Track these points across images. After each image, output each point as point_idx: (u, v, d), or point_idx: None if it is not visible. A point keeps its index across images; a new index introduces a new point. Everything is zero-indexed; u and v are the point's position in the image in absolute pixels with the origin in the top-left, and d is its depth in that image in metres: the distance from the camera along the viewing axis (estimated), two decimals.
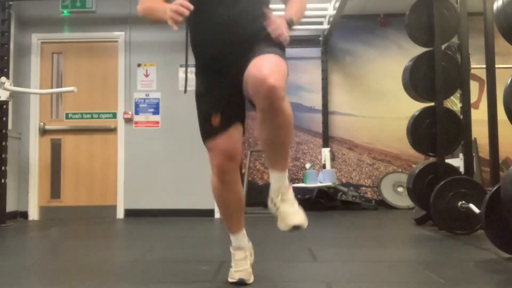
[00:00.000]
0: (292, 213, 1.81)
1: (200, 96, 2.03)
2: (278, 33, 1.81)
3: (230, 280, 2.05)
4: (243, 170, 5.74)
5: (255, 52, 1.80)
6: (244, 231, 2.14)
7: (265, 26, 1.84)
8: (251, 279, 2.05)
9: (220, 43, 1.93)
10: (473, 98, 4.75)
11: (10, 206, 4.81)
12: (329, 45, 6.29)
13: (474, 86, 5.33)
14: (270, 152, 1.89)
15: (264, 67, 1.69)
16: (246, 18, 1.92)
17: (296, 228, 1.77)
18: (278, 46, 1.85)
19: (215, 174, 2.05)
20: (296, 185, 5.79)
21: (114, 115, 5.25)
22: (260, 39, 1.87)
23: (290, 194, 1.88)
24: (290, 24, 1.88)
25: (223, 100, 1.97)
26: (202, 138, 2.06)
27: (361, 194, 6.08)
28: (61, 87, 5.27)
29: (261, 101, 1.70)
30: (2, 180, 4.52)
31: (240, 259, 2.07)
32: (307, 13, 6.49)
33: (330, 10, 5.62)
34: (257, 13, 1.91)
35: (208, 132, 2.01)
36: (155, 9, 1.92)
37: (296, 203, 1.86)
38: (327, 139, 6.17)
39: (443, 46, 4.02)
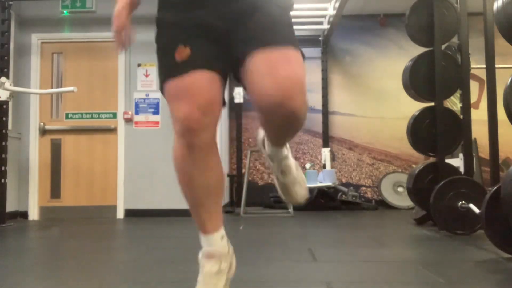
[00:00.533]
0: (293, 185, 1.64)
1: (162, 25, 1.48)
2: None
3: None
4: (243, 170, 5.73)
5: (257, 28, 1.32)
6: (222, 231, 1.51)
7: None
8: None
9: None
10: (473, 98, 4.76)
11: (10, 206, 4.81)
12: (329, 45, 6.29)
13: (474, 86, 5.33)
14: (273, 137, 1.56)
15: (280, 81, 1.25)
16: None
17: (299, 203, 1.69)
18: (285, 14, 1.43)
19: (179, 134, 1.36)
20: None
21: (114, 115, 5.25)
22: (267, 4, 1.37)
23: (291, 163, 1.64)
24: None
25: (196, 40, 1.37)
26: (160, 82, 1.47)
27: (361, 194, 6.09)
28: (61, 87, 5.27)
29: (279, 120, 1.31)
30: (2, 180, 4.52)
31: (210, 273, 1.43)
32: (307, 13, 6.47)
33: (330, 10, 5.62)
34: None
35: (170, 68, 1.40)
36: None
37: (298, 170, 1.67)
38: (327, 139, 6.18)
39: (443, 46, 4.02)
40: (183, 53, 1.35)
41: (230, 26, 1.35)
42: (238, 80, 1.41)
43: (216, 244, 1.47)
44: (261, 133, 1.67)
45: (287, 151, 1.63)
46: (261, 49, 1.29)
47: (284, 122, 1.32)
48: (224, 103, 1.45)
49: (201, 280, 1.47)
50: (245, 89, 1.39)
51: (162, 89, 1.46)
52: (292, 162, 1.63)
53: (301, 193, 1.62)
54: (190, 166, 1.39)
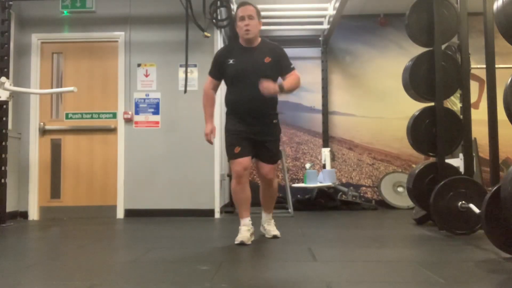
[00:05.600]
0: (273, 230, 3.48)
1: (230, 131, 3.30)
2: (266, 87, 3.04)
3: (235, 242, 3.13)
4: None
5: (267, 154, 3.34)
6: (249, 217, 3.29)
7: (272, 103, 3.34)
8: (249, 241, 3.16)
9: (248, 110, 3.26)
10: (473, 98, 4.75)
11: (10, 206, 4.81)
12: (329, 45, 6.29)
13: (474, 86, 5.34)
14: (264, 204, 3.54)
15: (268, 172, 3.36)
16: (267, 100, 3.23)
17: (274, 236, 3.43)
18: (278, 143, 3.43)
19: (235, 177, 3.24)
20: (296, 185, 5.80)
21: (114, 115, 5.25)
22: (270, 137, 3.35)
23: (272, 222, 3.55)
24: (281, 88, 3.10)
25: (243, 143, 3.25)
26: (228, 158, 3.37)
27: (361, 194, 6.09)
28: (61, 87, 5.27)
29: (265, 182, 3.43)
30: (2, 180, 4.52)
31: (244, 230, 3.21)
32: (307, 13, 6.47)
33: (330, 10, 5.63)
34: (273, 98, 3.28)
35: (232, 154, 3.26)
36: (205, 111, 3.38)
37: (274, 226, 3.54)
38: (327, 139, 6.18)
39: (443, 46, 4.02)
40: (237, 149, 3.23)
41: (255, 135, 3.30)
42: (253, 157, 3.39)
43: (247, 221, 3.28)
44: (261, 226, 3.57)
45: (271, 216, 3.58)
46: (265, 163, 3.37)
47: (268, 184, 3.42)
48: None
49: (240, 232, 3.23)
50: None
51: (229, 159, 3.38)
52: (272, 221, 3.57)
53: (275, 233, 3.47)
54: (238, 191, 3.29)
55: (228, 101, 3.33)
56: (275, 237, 3.40)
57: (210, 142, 3.33)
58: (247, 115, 3.24)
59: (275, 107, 3.35)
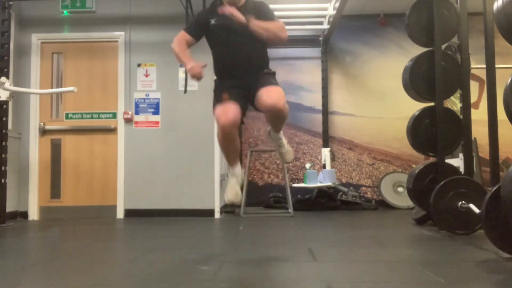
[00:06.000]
0: (286, 153, 3.15)
1: (218, 83, 2.96)
2: (226, 10, 2.72)
3: (225, 199, 2.83)
4: (243, 170, 5.73)
5: (262, 81, 2.80)
6: (239, 165, 2.94)
7: (262, 59, 2.97)
8: (238, 199, 2.86)
9: (236, 67, 2.91)
10: (473, 98, 4.75)
11: (10, 206, 4.81)
12: (329, 45, 6.29)
13: (474, 86, 5.33)
14: (273, 125, 2.97)
15: (273, 97, 2.69)
16: (254, 56, 2.94)
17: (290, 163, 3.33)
18: (273, 76, 2.93)
19: (220, 130, 2.74)
20: (296, 185, 5.80)
21: (114, 115, 5.25)
22: (263, 73, 2.90)
23: (283, 140, 3.11)
24: (248, 20, 2.70)
25: (232, 90, 2.81)
26: (213, 104, 2.82)
27: (361, 194, 6.09)
28: (61, 87, 5.26)
29: (273, 115, 2.75)
30: (2, 180, 4.52)
31: (233, 183, 2.85)
32: (307, 13, 6.45)
33: (330, 10, 5.62)
34: (256, 50, 2.92)
35: (218, 100, 2.79)
36: (180, 57, 2.90)
37: (287, 145, 3.16)
38: (327, 139, 6.18)
39: (443, 46, 4.02)
40: (225, 96, 2.77)
41: (249, 84, 2.85)
42: (253, 105, 2.87)
43: (236, 170, 2.88)
44: (267, 128, 3.07)
45: (281, 135, 3.07)
46: (263, 87, 2.76)
47: (276, 115, 2.75)
48: (244, 114, 2.88)
49: (228, 186, 2.84)
50: (254, 107, 2.86)
51: (214, 107, 2.81)
52: (284, 141, 3.11)
53: (289, 157, 3.18)
54: (224, 143, 2.80)
55: (215, 63, 2.99)
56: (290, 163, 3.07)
57: (199, 76, 2.77)
58: (237, 71, 2.90)
59: (267, 64, 3.00)
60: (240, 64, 2.90)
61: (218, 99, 2.81)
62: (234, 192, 2.81)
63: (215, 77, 3.01)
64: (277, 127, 2.98)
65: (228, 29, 2.85)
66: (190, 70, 2.77)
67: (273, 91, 2.74)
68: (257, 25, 2.72)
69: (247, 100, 2.89)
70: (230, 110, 2.71)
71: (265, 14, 2.90)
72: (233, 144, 2.85)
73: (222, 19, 2.86)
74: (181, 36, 2.98)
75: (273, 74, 2.97)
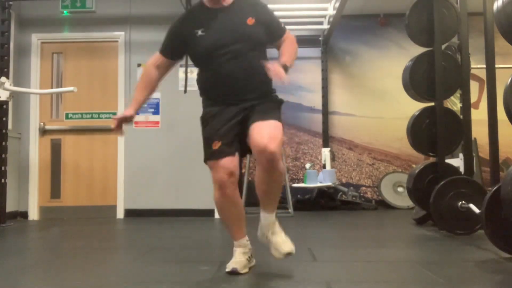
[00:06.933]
0: (282, 243, 2.26)
1: (205, 115, 2.35)
2: (279, 76, 2.13)
3: (226, 270, 2.27)
4: (243, 171, 5.74)
5: (260, 112, 2.24)
6: (246, 237, 2.38)
7: (265, 81, 2.29)
8: (244, 270, 2.28)
9: (233, 91, 2.31)
10: (473, 98, 4.75)
11: (10, 206, 4.81)
12: (329, 45, 6.29)
13: (474, 86, 5.33)
14: (264, 198, 2.29)
15: (265, 136, 2.12)
16: (256, 77, 2.28)
17: (288, 254, 2.23)
18: (276, 107, 2.34)
19: (217, 188, 2.27)
20: (296, 185, 5.80)
21: (114, 115, 5.25)
22: (266, 101, 2.32)
23: (278, 227, 2.33)
24: (285, 68, 2.20)
25: (226, 132, 2.26)
26: (204, 158, 2.32)
27: (361, 194, 6.08)
28: (61, 87, 5.27)
29: (264, 162, 2.14)
30: (2, 180, 4.52)
31: (239, 253, 2.33)
32: (307, 13, 6.45)
33: (330, 10, 5.62)
34: (258, 68, 2.23)
35: (209, 153, 2.29)
36: (135, 92, 2.49)
37: (283, 233, 2.31)
38: (327, 139, 6.18)
39: (443, 46, 4.02)
40: (217, 144, 2.24)
41: (246, 111, 2.28)
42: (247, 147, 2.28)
43: (244, 242, 2.35)
44: (258, 231, 2.39)
45: (274, 217, 2.35)
46: (257, 121, 2.20)
47: (267, 164, 2.13)
48: (245, 155, 2.37)
49: (233, 257, 2.31)
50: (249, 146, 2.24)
51: (205, 161, 2.32)
52: (278, 228, 2.34)
53: (285, 248, 2.24)
54: (224, 205, 2.31)
55: (203, 87, 2.40)
56: (288, 255, 2.23)
57: (115, 129, 2.38)
58: (232, 97, 2.30)
59: (271, 86, 2.38)
60: (238, 88, 2.28)
61: (208, 150, 2.27)
62: (242, 264, 2.28)
63: (202, 96, 2.42)
64: (268, 198, 2.29)
65: (223, 42, 2.26)
66: (118, 116, 2.38)
67: (267, 127, 2.16)
68: (291, 63, 2.29)
69: (241, 137, 2.28)
70: (226, 164, 2.21)
71: (277, 28, 2.40)
72: (236, 207, 2.31)
73: (212, 28, 2.29)
74: (153, 62, 2.45)
75: (279, 103, 2.38)
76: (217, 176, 2.24)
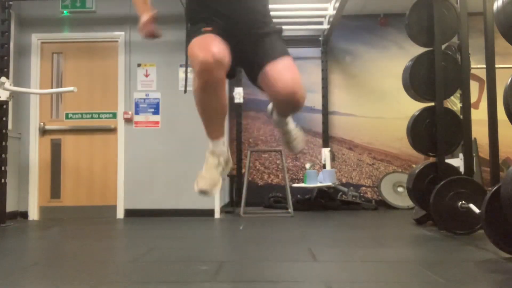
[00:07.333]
0: (299, 137, 2.47)
1: (195, 21, 2.08)
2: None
3: (194, 187, 2.00)
4: (243, 170, 5.74)
5: (267, 48, 2.02)
6: (223, 139, 2.08)
7: (266, 11, 2.12)
8: (214, 190, 2.00)
9: (229, 12, 2.02)
10: (473, 98, 4.75)
11: (10, 206, 4.81)
12: (329, 45, 6.29)
13: (474, 86, 5.33)
14: (279, 112, 2.24)
15: (288, 79, 1.96)
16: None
17: (202, 192, 1.99)
18: (282, 41, 2.11)
19: (198, 73, 1.82)
20: (296, 185, 5.80)
21: (114, 115, 5.25)
22: (266, 32, 2.07)
23: (291, 125, 2.40)
24: None
25: (219, 28, 1.96)
26: (187, 41, 1.97)
27: (361, 194, 6.08)
28: (61, 87, 5.27)
29: (287, 103, 2.01)
30: (2, 180, 4.52)
31: (211, 165, 2.03)
32: (307, 13, 6.43)
33: (330, 10, 5.62)
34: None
35: (197, 32, 1.94)
36: (137, 6, 2.39)
37: (294, 129, 2.42)
38: (327, 139, 6.17)
39: (443, 46, 4.02)
40: (207, 28, 1.93)
41: (242, 40, 2.02)
42: (249, 76, 2.11)
43: (219, 146, 2.05)
44: (270, 105, 2.34)
45: (289, 118, 2.31)
46: (271, 61, 1.99)
47: (291, 104, 2.00)
48: (234, 75, 2.09)
49: (204, 168, 2.03)
50: (251, 81, 2.10)
51: (188, 43, 1.95)
52: (292, 125, 2.35)
53: (299, 146, 2.38)
54: (204, 96, 1.90)
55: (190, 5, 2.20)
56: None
57: (153, 35, 2.31)
58: (224, 9, 2.04)
59: (268, 13, 2.18)
60: (230, 2, 2.02)
61: (196, 32, 1.96)
62: (210, 178, 1.99)
63: (188, 23, 2.20)
64: (286, 114, 2.25)
65: None
66: (141, 27, 2.22)
67: (287, 69, 1.97)
68: None
69: (237, 59, 2.01)
70: (214, 42, 1.85)
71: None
72: (217, 99, 1.92)
73: None
74: None
75: (279, 33, 2.14)
76: (202, 54, 1.79)
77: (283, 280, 2.21)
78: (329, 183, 5.60)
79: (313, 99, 6.26)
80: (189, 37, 1.98)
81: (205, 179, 1.98)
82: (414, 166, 5.56)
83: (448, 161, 3.93)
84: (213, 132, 2.03)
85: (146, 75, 5.26)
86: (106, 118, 5.26)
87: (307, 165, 5.76)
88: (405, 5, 4.10)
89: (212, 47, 1.81)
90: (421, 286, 2.09)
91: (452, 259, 2.69)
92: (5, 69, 4.64)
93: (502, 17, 2.56)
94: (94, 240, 3.73)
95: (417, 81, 3.97)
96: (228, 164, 2.12)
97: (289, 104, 2.00)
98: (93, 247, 3.32)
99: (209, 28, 1.92)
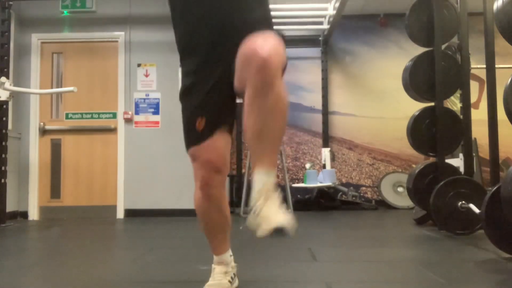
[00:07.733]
0: (275, 213, 1.39)
1: (185, 96, 1.82)
2: None
3: None
4: (243, 170, 5.73)
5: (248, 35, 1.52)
6: (230, 251, 1.96)
7: (259, 13, 1.72)
8: None
9: (206, 33, 1.70)
10: (473, 98, 4.75)
11: (10, 206, 4.81)
12: (329, 45, 6.29)
13: (474, 86, 5.32)
14: (256, 141, 1.53)
15: (258, 40, 1.44)
16: (234, 6, 1.70)
17: (278, 231, 1.34)
18: (274, 30, 1.64)
19: (199, 187, 1.81)
20: (296, 185, 5.80)
21: (114, 115, 5.25)
22: (252, 23, 1.64)
23: (275, 194, 1.46)
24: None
25: (209, 99, 1.73)
26: (186, 145, 1.85)
27: (361, 194, 6.08)
28: (61, 87, 5.27)
29: (253, 76, 1.43)
30: (2, 180, 4.52)
31: (219, 273, 1.88)
32: (307, 13, 6.44)
33: (330, 10, 5.62)
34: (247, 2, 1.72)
35: (191, 137, 1.81)
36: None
37: (278, 202, 1.45)
38: (327, 139, 6.17)
39: (443, 46, 4.02)
40: (201, 123, 1.77)
41: (231, 54, 1.58)
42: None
43: (225, 258, 1.92)
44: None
45: (273, 180, 1.48)
46: (250, 31, 1.51)
47: (260, 77, 1.42)
48: (231, 130, 1.89)
49: (212, 277, 1.88)
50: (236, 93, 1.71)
51: (187, 149, 1.86)
52: (275, 195, 1.46)
53: (281, 220, 1.38)
54: (207, 210, 1.85)
55: (177, 35, 1.84)
56: (278, 232, 1.35)
57: None
58: (211, 42, 1.71)
59: (265, 14, 1.78)
60: (215, 27, 1.69)
61: (189, 130, 1.82)
62: (220, 286, 1.85)
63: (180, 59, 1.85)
64: (263, 142, 1.52)
65: None
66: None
67: (262, 35, 1.47)
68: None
69: (230, 105, 1.83)
70: (211, 148, 1.76)
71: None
72: (220, 213, 1.85)
73: None
74: None
75: (268, 23, 1.75)
76: (201, 173, 1.77)
77: (283, 280, 2.21)
78: (329, 183, 5.60)
79: (313, 99, 6.26)
80: (184, 122, 1.86)
81: (214, 286, 1.84)
82: (414, 166, 5.56)
83: (448, 161, 3.93)
84: (217, 246, 1.93)
85: (146, 75, 5.26)
86: (106, 118, 5.26)
87: (307, 165, 5.76)
88: (405, 5, 4.10)
89: (210, 163, 1.76)
90: (421, 286, 2.09)
91: (452, 259, 2.69)
92: (5, 69, 4.64)
93: (502, 17, 2.56)
94: (94, 240, 3.73)
95: (417, 81, 3.97)
96: (235, 282, 1.94)
97: (263, 82, 1.42)
98: (93, 247, 3.32)
99: (202, 122, 1.75)
